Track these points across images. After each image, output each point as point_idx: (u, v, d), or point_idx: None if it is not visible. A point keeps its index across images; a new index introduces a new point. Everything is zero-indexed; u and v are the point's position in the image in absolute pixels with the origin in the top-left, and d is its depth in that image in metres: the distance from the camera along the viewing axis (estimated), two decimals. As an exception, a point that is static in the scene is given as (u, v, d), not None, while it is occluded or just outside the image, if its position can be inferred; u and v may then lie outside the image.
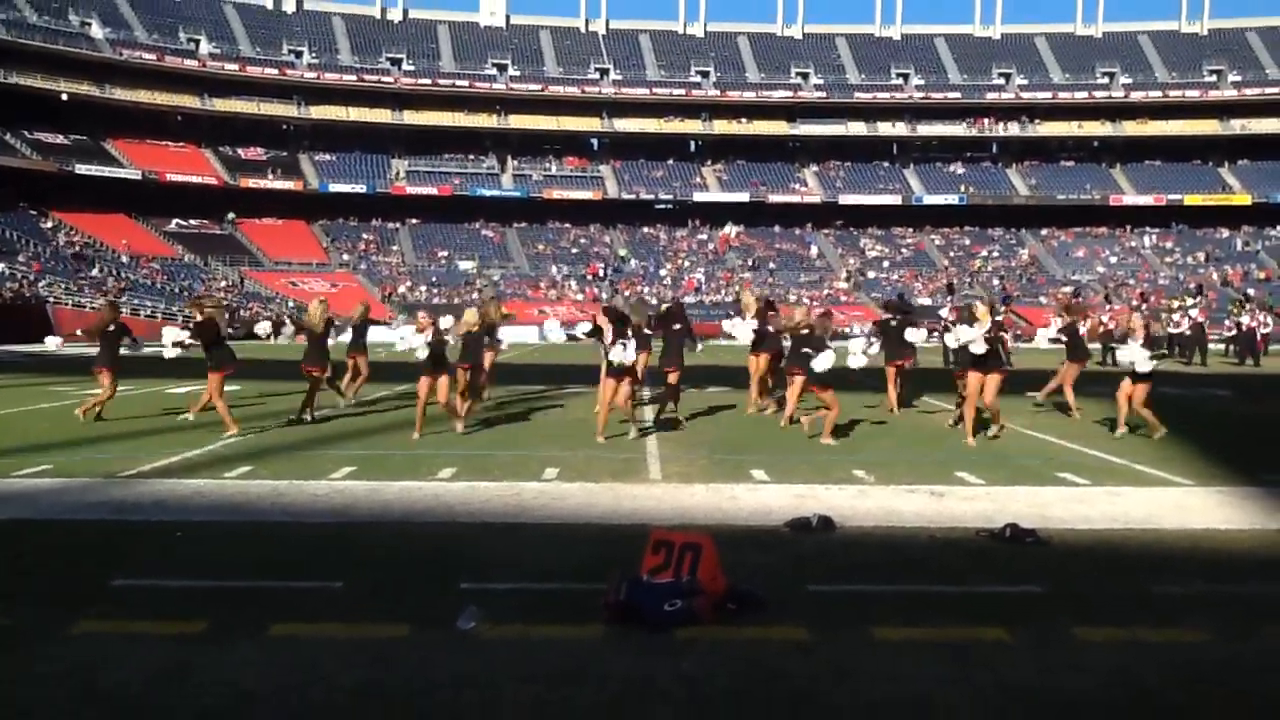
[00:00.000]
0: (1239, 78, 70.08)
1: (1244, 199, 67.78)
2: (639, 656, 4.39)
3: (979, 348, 11.00)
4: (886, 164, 73.96)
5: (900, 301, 17.58)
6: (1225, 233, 68.53)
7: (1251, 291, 56.01)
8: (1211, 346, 31.09)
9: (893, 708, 3.90)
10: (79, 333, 13.56)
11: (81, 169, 58.89)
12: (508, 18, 75.50)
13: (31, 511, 7.34)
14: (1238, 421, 13.06)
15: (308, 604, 5.14)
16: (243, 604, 5.12)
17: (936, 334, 15.62)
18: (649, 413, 13.64)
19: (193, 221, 63.70)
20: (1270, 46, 72.20)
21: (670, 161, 73.01)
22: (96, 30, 62.93)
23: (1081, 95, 71.16)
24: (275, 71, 67.43)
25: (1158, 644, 4.65)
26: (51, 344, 14.98)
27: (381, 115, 69.39)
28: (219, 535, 6.70)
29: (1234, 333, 32.23)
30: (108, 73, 62.29)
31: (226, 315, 12.58)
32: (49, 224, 56.83)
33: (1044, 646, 4.60)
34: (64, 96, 60.16)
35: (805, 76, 72.73)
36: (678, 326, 13.28)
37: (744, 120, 72.35)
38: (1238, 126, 69.76)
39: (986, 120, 72.31)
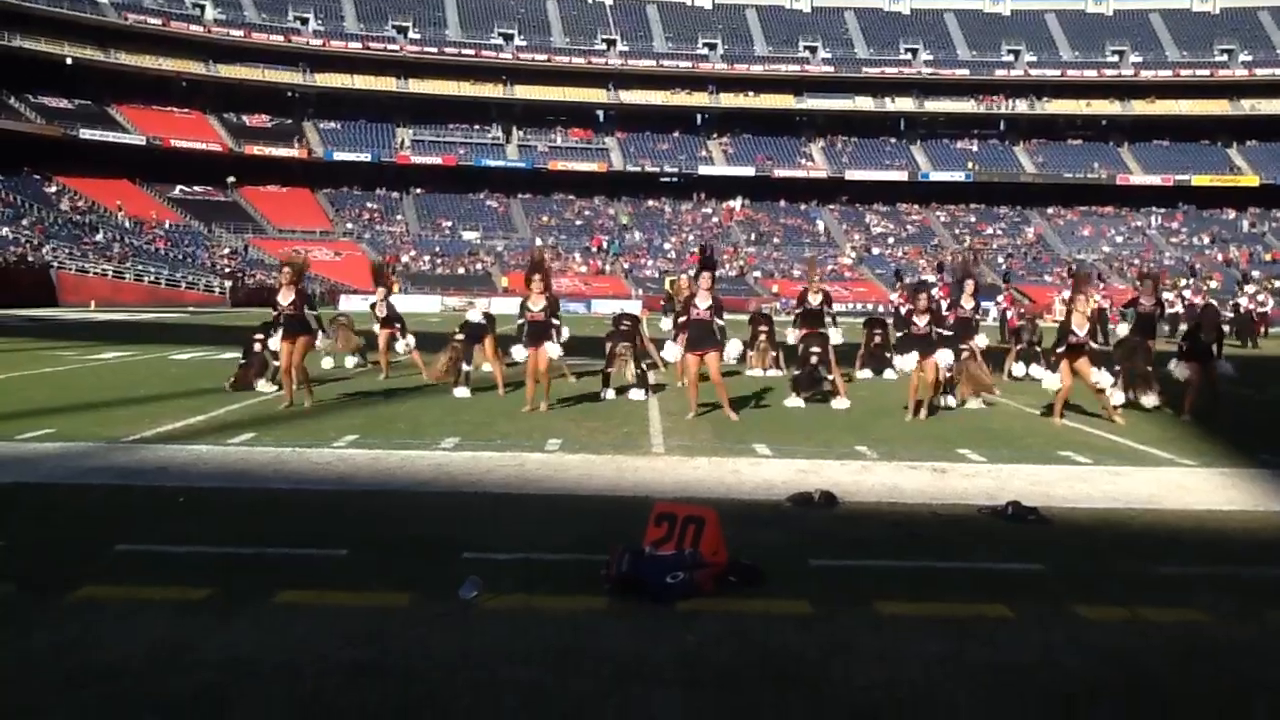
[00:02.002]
0: (1250, 57, 69.66)
1: (1252, 180, 67.53)
2: (640, 633, 4.38)
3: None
4: (893, 140, 73.68)
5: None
6: (1232, 214, 68.37)
7: (1257, 273, 55.96)
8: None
9: (894, 687, 3.90)
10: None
11: (86, 134, 58.77)
12: (514, -14, 75.08)
13: (33, 476, 7.35)
14: (1240, 403, 13.01)
15: (310, 573, 5.15)
16: (245, 572, 5.13)
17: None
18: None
19: (197, 188, 63.60)
20: (1282, 26, 71.74)
21: (676, 134, 72.77)
22: (102, -6, 62.64)
23: (1091, 73, 70.82)
24: (281, 38, 67.14)
25: (1159, 624, 4.64)
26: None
27: (387, 84, 69.13)
28: (221, 502, 6.71)
29: (1234, 314, 32.15)
30: (113, 37, 62.05)
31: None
32: (53, 189, 56.75)
33: (1045, 625, 4.59)
34: (69, 61, 59.96)
35: (813, 50, 72.35)
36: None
37: (751, 94, 72.00)
38: (1247, 107, 69.45)
39: (995, 97, 71.97)
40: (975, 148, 72.64)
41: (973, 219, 69.76)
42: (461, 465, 8.05)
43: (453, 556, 5.38)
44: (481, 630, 4.38)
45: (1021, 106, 71.88)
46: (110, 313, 36.15)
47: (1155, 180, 68.60)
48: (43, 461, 7.89)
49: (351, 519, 6.27)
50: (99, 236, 51.77)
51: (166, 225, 58.16)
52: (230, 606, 4.59)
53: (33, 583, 4.87)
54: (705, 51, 72.10)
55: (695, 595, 4.74)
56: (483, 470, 7.86)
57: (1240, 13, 73.98)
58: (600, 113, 73.51)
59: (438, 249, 61.82)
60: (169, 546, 5.58)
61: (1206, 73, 69.62)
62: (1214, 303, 27.12)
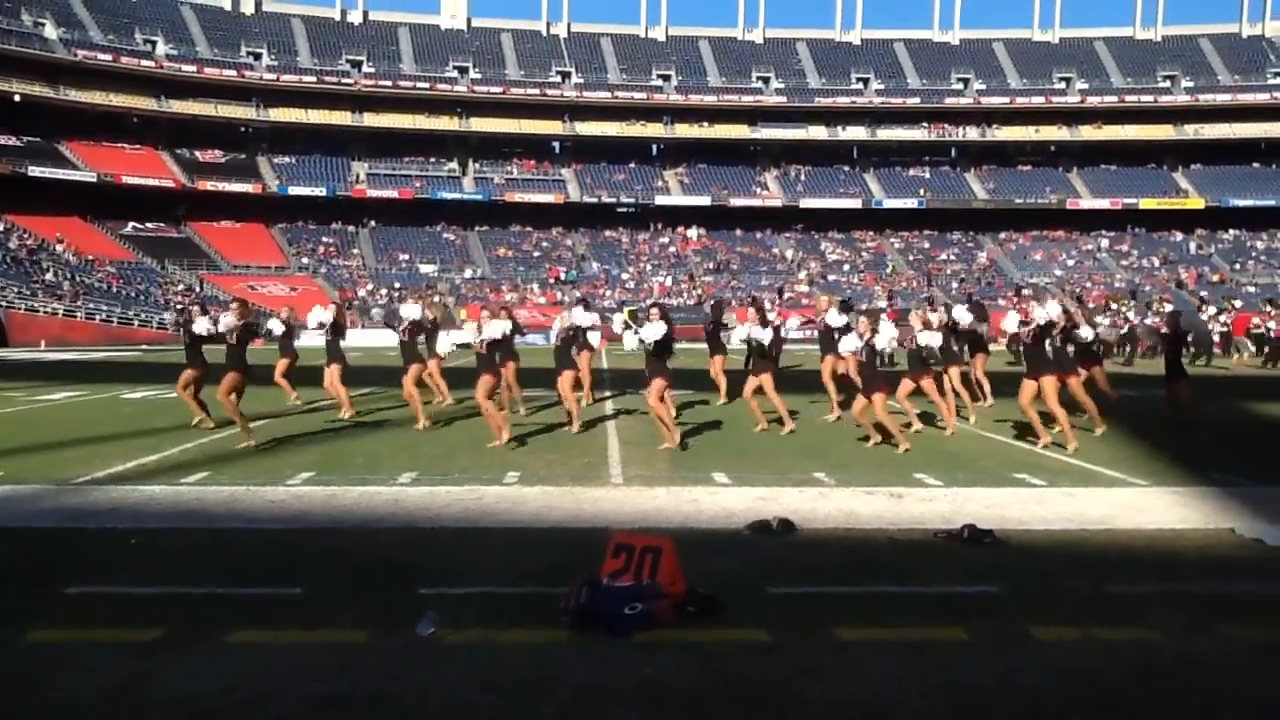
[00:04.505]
0: (1192, 83, 71.13)
1: (1197, 203, 68.79)
2: (601, 662, 4.39)
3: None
4: (847, 168, 74.39)
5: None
6: (1179, 236, 69.55)
7: (1205, 294, 56.94)
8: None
9: (853, 709, 3.92)
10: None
11: (35, 171, 58.01)
12: (469, 20, 75.27)
13: (-18, 519, 7.22)
14: (1193, 422, 13.22)
15: (266, 612, 5.10)
16: (199, 612, 5.07)
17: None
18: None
19: (149, 225, 62.93)
20: (1222, 53, 73.41)
21: (632, 165, 73.04)
22: (50, 30, 62.05)
23: (1039, 100, 71.92)
24: (233, 73, 66.76)
25: (1113, 642, 4.70)
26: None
27: (341, 117, 68.88)
28: (175, 543, 6.62)
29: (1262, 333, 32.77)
30: (62, 74, 61.41)
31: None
32: (1, 227, 55.97)
33: (1001, 646, 4.64)
34: (16, 98, 59.25)
35: (766, 81, 73.01)
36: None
37: (705, 124, 72.48)
38: (1191, 131, 70.80)
39: (945, 125, 72.93)
40: (927, 175, 73.50)
41: (926, 245, 70.51)
42: (419, 500, 8.00)
43: (411, 591, 5.35)
44: (450, 659, 4.38)
45: (972, 133, 72.84)
46: (61, 352, 35.65)
47: (1104, 204, 69.72)
48: (-9, 505, 7.76)
49: (307, 558, 6.21)
50: (49, 275, 51.08)
51: (108, 262, 57.32)
52: (187, 645, 4.53)
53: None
54: (659, 83, 72.54)
55: (653, 626, 4.75)
56: (441, 505, 7.82)
57: (1181, 40, 75.62)
58: (556, 144, 73.65)
59: (395, 282, 61.53)
60: (121, 588, 5.50)
61: (1151, 99, 70.97)
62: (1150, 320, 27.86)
